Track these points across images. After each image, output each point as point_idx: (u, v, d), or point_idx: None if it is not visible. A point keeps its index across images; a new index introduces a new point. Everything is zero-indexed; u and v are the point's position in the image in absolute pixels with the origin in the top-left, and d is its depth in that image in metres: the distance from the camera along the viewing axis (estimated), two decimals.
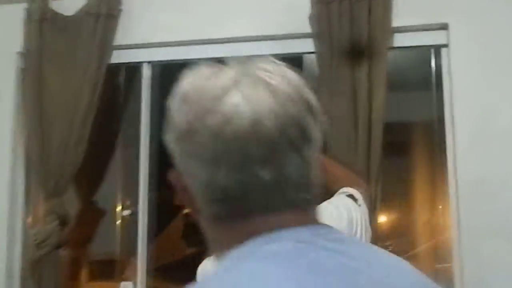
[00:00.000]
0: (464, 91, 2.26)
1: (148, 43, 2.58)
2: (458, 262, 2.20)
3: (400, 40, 2.34)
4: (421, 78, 2.48)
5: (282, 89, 0.67)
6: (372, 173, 2.20)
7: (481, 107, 2.24)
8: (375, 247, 0.78)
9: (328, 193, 1.64)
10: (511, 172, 2.17)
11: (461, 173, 2.21)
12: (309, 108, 0.69)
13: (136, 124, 2.59)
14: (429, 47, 2.42)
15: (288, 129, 0.65)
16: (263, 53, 2.47)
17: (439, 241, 2.30)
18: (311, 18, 2.34)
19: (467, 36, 2.28)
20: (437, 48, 2.39)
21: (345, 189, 1.60)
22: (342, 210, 1.48)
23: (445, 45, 2.35)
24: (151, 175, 2.58)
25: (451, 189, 2.27)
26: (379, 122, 2.22)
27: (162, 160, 2.60)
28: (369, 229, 1.56)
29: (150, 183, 2.57)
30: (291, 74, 0.70)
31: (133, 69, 2.68)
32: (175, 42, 2.57)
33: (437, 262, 2.35)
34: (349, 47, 2.27)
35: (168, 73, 2.62)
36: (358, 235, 1.47)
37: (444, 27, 2.33)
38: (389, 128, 2.24)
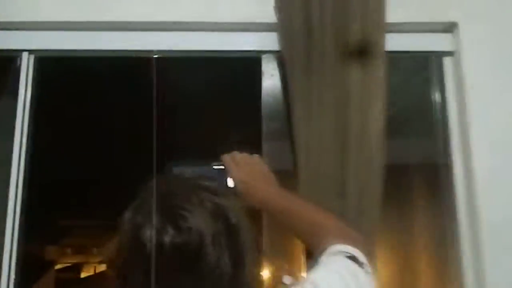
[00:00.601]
0: (479, 114, 1.67)
1: (29, 22, 1.73)
2: None
3: (391, 43, 1.70)
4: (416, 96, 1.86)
5: None
6: (366, 225, 1.52)
7: (502, 135, 1.66)
8: None
9: (310, 251, 1.20)
10: None
11: (481, 222, 1.60)
12: None
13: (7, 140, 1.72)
14: (429, 53, 1.81)
15: None
16: (203, 48, 1.77)
17: None
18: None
19: (482, 40, 1.71)
20: (439, 56, 1.80)
21: (341, 247, 1.13)
22: (349, 281, 1.05)
23: (451, 53, 1.77)
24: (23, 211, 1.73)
25: (464, 245, 1.66)
26: (377, 148, 1.55)
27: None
28: None
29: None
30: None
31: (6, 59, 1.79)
32: (66, 23, 1.73)
33: None
34: (332, 45, 1.60)
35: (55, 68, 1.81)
36: None
37: (450, 28, 1.75)
38: None
